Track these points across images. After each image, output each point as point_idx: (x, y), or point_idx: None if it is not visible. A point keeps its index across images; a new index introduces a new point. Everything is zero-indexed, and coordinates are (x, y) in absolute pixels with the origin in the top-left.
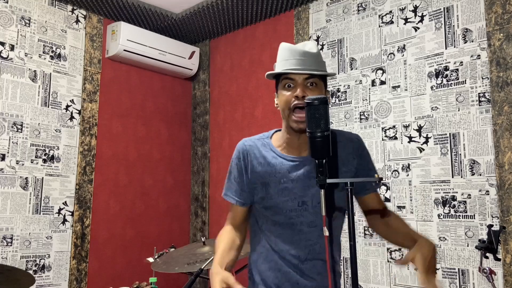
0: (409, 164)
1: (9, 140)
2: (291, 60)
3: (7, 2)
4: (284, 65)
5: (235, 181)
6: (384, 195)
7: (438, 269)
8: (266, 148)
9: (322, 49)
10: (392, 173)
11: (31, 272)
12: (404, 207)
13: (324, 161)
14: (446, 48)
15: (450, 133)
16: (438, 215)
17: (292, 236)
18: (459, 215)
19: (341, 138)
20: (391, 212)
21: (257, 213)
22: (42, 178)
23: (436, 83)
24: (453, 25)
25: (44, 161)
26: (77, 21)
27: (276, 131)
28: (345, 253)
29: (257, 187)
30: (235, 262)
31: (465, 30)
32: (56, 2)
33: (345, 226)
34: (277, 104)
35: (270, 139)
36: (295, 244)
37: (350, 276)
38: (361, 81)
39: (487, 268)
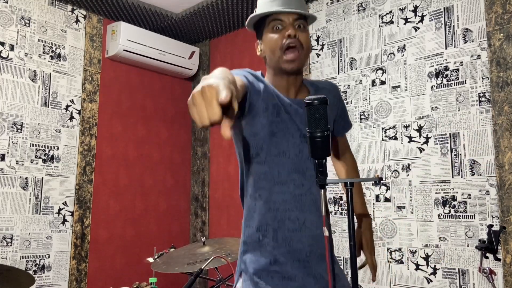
0: (409, 164)
1: (9, 140)
2: (276, 1)
3: (7, 2)
4: (269, 7)
5: (239, 75)
6: (384, 195)
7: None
8: (263, 84)
9: (322, 49)
10: (392, 173)
11: (31, 272)
12: (404, 207)
13: (324, 161)
14: (446, 48)
15: (450, 133)
16: (438, 215)
17: (292, 163)
18: (459, 215)
19: (323, 84)
20: (350, 159)
21: (252, 155)
22: (42, 178)
23: (436, 83)
24: (453, 25)
25: (44, 161)
26: (77, 21)
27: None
28: (345, 253)
29: (269, 110)
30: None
31: (465, 30)
32: (56, 2)
33: (345, 226)
34: (261, 50)
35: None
36: (296, 185)
37: (350, 276)
38: (361, 81)
39: (487, 268)
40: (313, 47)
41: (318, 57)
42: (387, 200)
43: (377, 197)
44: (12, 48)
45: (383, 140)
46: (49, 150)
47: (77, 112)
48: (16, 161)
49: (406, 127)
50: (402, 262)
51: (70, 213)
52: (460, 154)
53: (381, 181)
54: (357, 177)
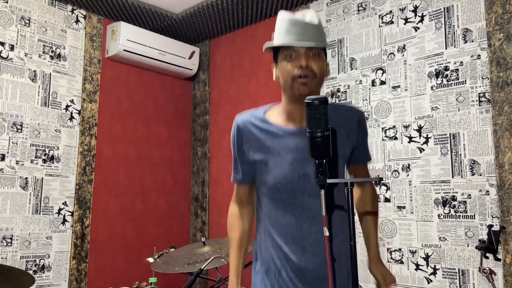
0: (409, 164)
1: (9, 140)
2: (292, 32)
3: (7, 2)
4: (285, 37)
5: (235, 160)
6: (384, 195)
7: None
8: (262, 122)
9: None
10: (392, 173)
11: (31, 272)
12: (404, 207)
13: (324, 161)
14: (446, 48)
15: (450, 133)
16: (438, 215)
17: (293, 209)
18: (459, 215)
19: (346, 108)
20: (370, 191)
21: (259, 194)
22: (42, 178)
23: (436, 83)
24: (453, 25)
25: (44, 161)
26: (77, 21)
27: (272, 106)
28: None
29: (257, 163)
30: (246, 256)
31: (465, 30)
32: (56, 2)
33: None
34: (276, 76)
35: (264, 113)
36: (297, 218)
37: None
38: (361, 81)
39: (487, 268)
40: (330, 72)
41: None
42: (387, 200)
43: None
44: (12, 48)
45: (383, 140)
46: (49, 150)
47: (77, 112)
48: (16, 161)
49: (406, 127)
50: (402, 262)
51: (70, 213)
52: (460, 154)
53: (381, 181)
54: (374, 209)
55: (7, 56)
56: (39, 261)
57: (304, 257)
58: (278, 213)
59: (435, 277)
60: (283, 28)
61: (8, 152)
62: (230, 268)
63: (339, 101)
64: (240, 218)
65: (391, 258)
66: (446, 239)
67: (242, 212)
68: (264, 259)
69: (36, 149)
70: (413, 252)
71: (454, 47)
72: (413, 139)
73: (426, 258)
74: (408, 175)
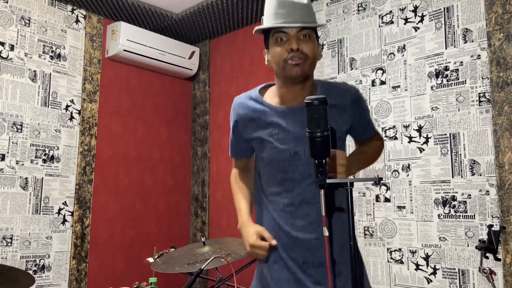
0: (409, 164)
1: (9, 140)
2: (282, 12)
3: (7, 2)
4: (274, 18)
5: (233, 139)
6: (384, 195)
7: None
8: (255, 102)
9: (322, 49)
10: (392, 173)
11: (31, 272)
12: (404, 207)
13: (324, 161)
14: (446, 48)
15: (450, 133)
16: (438, 215)
17: (285, 184)
18: (459, 215)
19: (339, 89)
20: (377, 142)
21: (258, 167)
22: (42, 178)
23: (436, 83)
24: (453, 25)
25: (44, 161)
26: (77, 21)
27: (266, 85)
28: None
29: (253, 141)
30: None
31: (465, 30)
32: (56, 2)
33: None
34: (268, 60)
35: (258, 92)
36: (288, 192)
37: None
38: (361, 81)
39: (487, 268)
40: (321, 54)
41: None
42: (387, 200)
43: (377, 197)
44: (12, 48)
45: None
46: (49, 150)
47: (77, 112)
48: (16, 161)
49: (406, 127)
50: (402, 262)
51: (70, 213)
52: (460, 154)
53: (381, 181)
54: (373, 154)
55: (7, 56)
56: (39, 261)
57: (294, 228)
58: (273, 186)
59: (435, 277)
60: (271, 10)
61: (8, 152)
62: (238, 210)
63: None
64: (242, 176)
65: (391, 258)
66: (446, 239)
67: (243, 174)
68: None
69: (36, 149)
70: (413, 252)
71: (454, 47)
72: (413, 139)
73: (426, 258)
74: (408, 175)
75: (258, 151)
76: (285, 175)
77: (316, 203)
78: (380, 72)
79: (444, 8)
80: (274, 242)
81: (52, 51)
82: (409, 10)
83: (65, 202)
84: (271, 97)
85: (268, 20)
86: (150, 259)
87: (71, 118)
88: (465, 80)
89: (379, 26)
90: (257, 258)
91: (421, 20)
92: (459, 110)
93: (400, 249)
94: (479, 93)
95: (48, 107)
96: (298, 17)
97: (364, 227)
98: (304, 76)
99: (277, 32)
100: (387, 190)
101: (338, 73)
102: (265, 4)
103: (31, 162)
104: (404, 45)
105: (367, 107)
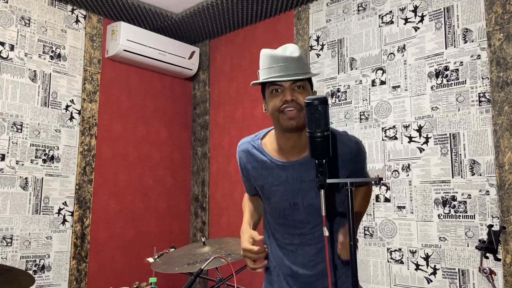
0: (409, 164)
1: (9, 140)
2: (275, 67)
3: (7, 2)
4: (268, 73)
5: (243, 179)
6: (384, 195)
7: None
8: (258, 152)
9: (322, 49)
10: (392, 173)
11: (31, 272)
12: (404, 207)
13: (324, 161)
14: (446, 48)
15: (450, 133)
16: (438, 215)
17: (286, 228)
18: (459, 215)
19: (339, 141)
20: (364, 188)
21: (264, 206)
22: (42, 178)
23: (436, 83)
24: (453, 25)
25: (44, 161)
26: (77, 21)
27: (269, 130)
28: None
29: (256, 187)
30: (259, 222)
31: (465, 30)
32: (56, 2)
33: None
34: (265, 109)
35: (261, 141)
36: (289, 234)
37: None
38: (361, 81)
39: (487, 268)
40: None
41: (318, 57)
42: (387, 200)
43: (377, 197)
44: (12, 48)
45: (383, 140)
46: (49, 150)
47: (77, 112)
48: (16, 161)
49: (406, 127)
50: (402, 262)
51: (70, 213)
52: (460, 154)
53: (381, 181)
54: (364, 202)
55: (7, 56)
56: (39, 261)
57: (295, 264)
58: (276, 226)
59: (435, 277)
60: (266, 65)
61: (8, 152)
62: (243, 221)
63: (339, 101)
64: (252, 199)
65: (391, 258)
66: (446, 239)
67: (254, 199)
68: (268, 257)
69: (36, 149)
70: (413, 252)
71: (454, 47)
72: (413, 139)
73: (426, 258)
74: (408, 175)
75: (263, 197)
76: (286, 221)
77: (316, 243)
78: (380, 72)
79: (444, 8)
80: (262, 248)
81: (52, 51)
82: (409, 10)
83: (65, 202)
84: (271, 144)
85: (263, 73)
86: (150, 259)
87: (71, 118)
88: (465, 80)
89: (379, 26)
90: (248, 261)
91: (421, 20)
92: (459, 110)
93: (400, 249)
94: (479, 93)
95: (48, 107)
96: (291, 70)
97: (364, 227)
98: (299, 127)
99: (272, 84)
100: (387, 190)
101: (338, 73)
102: (260, 59)
103: (31, 162)
104: (404, 45)
105: (365, 158)
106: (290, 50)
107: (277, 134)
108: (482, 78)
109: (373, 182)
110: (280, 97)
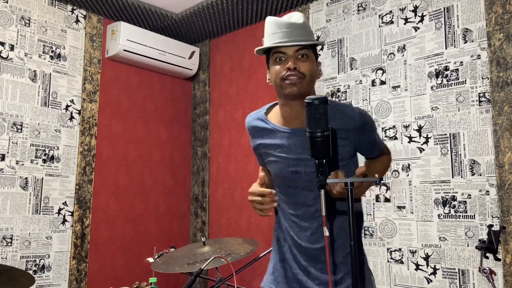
0: (409, 164)
1: (9, 140)
2: (279, 33)
3: (7, 2)
4: (272, 39)
5: (253, 150)
6: (384, 195)
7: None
8: (262, 122)
9: (322, 49)
10: (392, 173)
11: (31, 272)
12: (404, 207)
13: (324, 161)
14: (446, 48)
15: (450, 133)
16: (438, 215)
17: (290, 196)
18: (459, 215)
19: (343, 113)
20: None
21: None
22: (42, 178)
23: (436, 83)
24: (453, 25)
25: (44, 161)
26: (77, 21)
27: (272, 105)
28: None
29: (262, 155)
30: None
31: (465, 30)
32: (56, 2)
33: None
34: (269, 79)
35: (265, 112)
36: (293, 204)
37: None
38: (361, 81)
39: (487, 268)
40: (321, 72)
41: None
42: (387, 200)
43: (377, 197)
44: (12, 48)
45: (383, 140)
46: (49, 150)
47: (77, 112)
48: (16, 161)
49: (406, 127)
50: (402, 262)
51: (70, 213)
52: (460, 154)
53: (381, 181)
54: (381, 168)
55: (7, 56)
56: (39, 261)
57: (298, 237)
58: (281, 194)
59: (435, 277)
60: (270, 31)
61: (8, 152)
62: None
63: (339, 101)
64: (266, 170)
65: (391, 258)
66: (446, 239)
67: (266, 170)
68: (276, 229)
69: (36, 149)
70: (413, 252)
71: (454, 47)
72: (413, 139)
73: (426, 258)
74: (408, 175)
75: (267, 164)
76: (289, 189)
77: (318, 217)
78: (380, 72)
79: (444, 8)
80: (269, 191)
81: (52, 51)
82: (409, 10)
83: (65, 202)
84: (275, 116)
85: (267, 40)
86: (150, 259)
87: (71, 118)
88: (465, 80)
89: (379, 26)
90: (256, 205)
91: (421, 20)
92: (459, 110)
93: (400, 249)
94: (479, 93)
95: (48, 107)
96: (294, 36)
97: (364, 227)
98: (301, 95)
99: (276, 52)
100: (387, 190)
101: (338, 73)
102: (265, 26)
103: (31, 162)
104: (404, 45)
105: (373, 128)
106: (295, 17)
107: (280, 103)
108: (482, 78)
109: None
110: (283, 65)
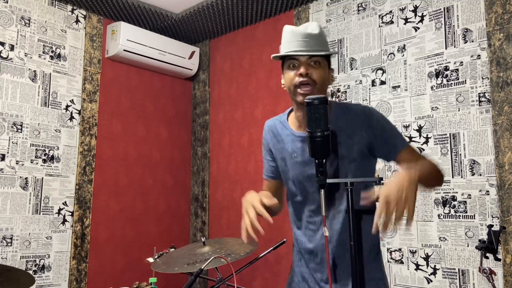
0: None
1: (9, 140)
2: (294, 42)
3: (7, 2)
4: (287, 47)
5: (264, 159)
6: None
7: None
8: (282, 126)
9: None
10: (392, 173)
11: (31, 272)
12: None
13: (324, 161)
14: (446, 48)
15: (450, 133)
16: (438, 215)
17: (307, 205)
18: (459, 215)
19: (351, 111)
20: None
21: (286, 192)
22: (42, 178)
23: (436, 83)
24: (453, 25)
25: (44, 161)
26: (77, 21)
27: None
28: None
29: (278, 161)
30: (271, 208)
31: (465, 30)
32: (56, 2)
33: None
34: (283, 84)
35: (287, 116)
36: (311, 211)
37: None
38: (361, 81)
39: (487, 268)
40: (333, 79)
41: None
42: None
43: (377, 197)
44: (12, 48)
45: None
46: (49, 150)
47: (77, 112)
48: (16, 161)
49: (406, 127)
50: (402, 262)
51: (70, 213)
52: (460, 154)
53: (381, 181)
54: (434, 174)
55: (7, 56)
56: (39, 261)
57: (315, 245)
58: (297, 208)
59: (435, 277)
60: (286, 39)
61: (8, 152)
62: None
63: (339, 101)
64: (269, 187)
65: (391, 258)
66: (446, 239)
67: (270, 185)
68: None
69: (36, 149)
70: (413, 252)
71: (454, 47)
72: (413, 139)
73: (426, 258)
74: None
75: (284, 173)
76: (306, 195)
77: (333, 218)
78: (380, 72)
79: (444, 8)
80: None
81: (52, 51)
82: (409, 10)
83: (65, 202)
84: (292, 120)
85: (283, 48)
86: (150, 259)
87: (71, 118)
88: (465, 80)
89: (379, 26)
90: (245, 219)
91: (421, 20)
92: (459, 110)
93: (400, 249)
94: (479, 93)
95: (48, 107)
96: (309, 46)
97: None
98: None
99: (290, 59)
100: None
101: (338, 73)
102: (282, 34)
103: (31, 162)
104: (404, 45)
105: (386, 126)
106: (311, 27)
107: (295, 108)
108: (482, 78)
109: (373, 181)
110: (296, 72)
